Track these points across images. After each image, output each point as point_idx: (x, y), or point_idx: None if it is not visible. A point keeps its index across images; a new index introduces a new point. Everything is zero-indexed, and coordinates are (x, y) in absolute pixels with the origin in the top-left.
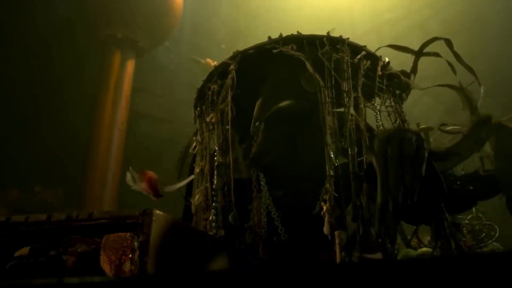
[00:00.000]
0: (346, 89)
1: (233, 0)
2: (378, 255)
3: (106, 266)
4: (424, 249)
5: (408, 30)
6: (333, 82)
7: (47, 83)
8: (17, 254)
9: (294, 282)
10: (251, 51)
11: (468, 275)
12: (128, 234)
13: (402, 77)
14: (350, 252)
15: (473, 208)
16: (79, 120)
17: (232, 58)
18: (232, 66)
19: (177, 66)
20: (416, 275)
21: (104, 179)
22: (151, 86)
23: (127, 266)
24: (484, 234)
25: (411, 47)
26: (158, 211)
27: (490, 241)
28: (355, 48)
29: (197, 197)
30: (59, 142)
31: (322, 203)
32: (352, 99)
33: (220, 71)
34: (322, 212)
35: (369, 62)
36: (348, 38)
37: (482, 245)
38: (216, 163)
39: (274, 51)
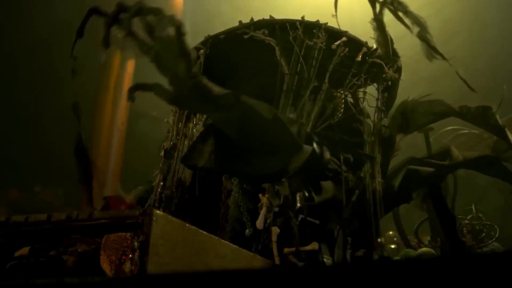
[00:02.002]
0: (307, 77)
1: (233, 1)
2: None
3: (106, 266)
4: (424, 249)
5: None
6: (298, 69)
7: (47, 83)
8: (17, 254)
9: (292, 283)
10: (222, 36)
11: (468, 275)
12: (128, 234)
13: (386, 67)
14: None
15: (473, 208)
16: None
17: (203, 43)
18: (202, 51)
19: None
20: (416, 275)
21: (104, 179)
22: None
23: (127, 266)
24: (484, 234)
25: (410, 47)
26: (158, 211)
27: (490, 241)
28: (335, 34)
29: (157, 178)
30: (59, 142)
31: (260, 195)
32: (310, 87)
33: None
34: (259, 204)
35: (347, 49)
36: (326, 23)
37: (482, 245)
38: (164, 147)
39: (245, 36)
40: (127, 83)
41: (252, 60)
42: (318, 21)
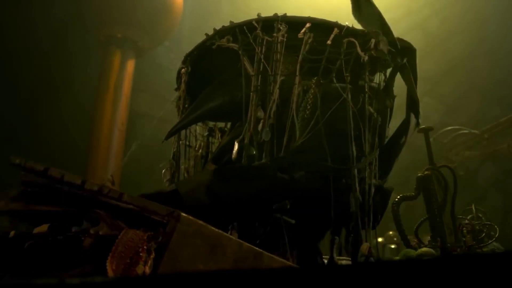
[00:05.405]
0: (272, 73)
1: (233, 0)
2: None
3: (114, 260)
4: (424, 249)
5: (408, 30)
6: (261, 68)
7: (48, 84)
8: (36, 230)
9: (295, 284)
10: (195, 52)
11: (468, 275)
12: (146, 235)
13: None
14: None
15: (473, 208)
16: (79, 120)
17: (183, 61)
18: (183, 70)
19: (177, 66)
20: (416, 275)
21: (104, 178)
22: (151, 86)
23: (139, 268)
24: (484, 234)
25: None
26: (185, 215)
27: (490, 241)
28: (298, 23)
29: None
30: (60, 142)
31: None
32: (278, 82)
33: (181, 76)
34: None
35: (311, 35)
36: (285, 14)
37: (482, 245)
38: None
39: (213, 47)
40: (127, 83)
41: (229, 67)
42: (276, 14)
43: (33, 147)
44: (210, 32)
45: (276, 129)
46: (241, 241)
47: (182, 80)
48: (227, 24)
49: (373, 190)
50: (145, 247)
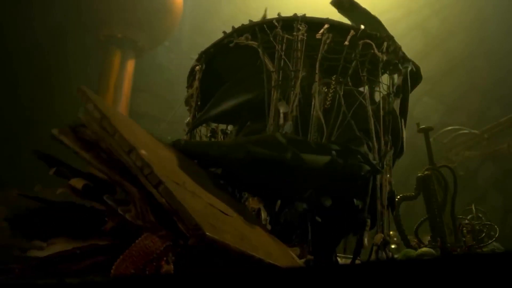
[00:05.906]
0: (293, 69)
1: (232, 0)
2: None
3: (124, 263)
4: (424, 249)
5: (408, 30)
6: (281, 64)
7: (48, 83)
8: (71, 182)
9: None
10: (211, 49)
11: (468, 275)
12: (164, 245)
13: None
14: None
15: (473, 208)
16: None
17: (198, 59)
18: (197, 67)
19: (177, 66)
20: (416, 275)
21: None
22: (151, 86)
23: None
24: (484, 234)
25: (409, 47)
26: (210, 235)
27: (490, 241)
28: (316, 24)
29: None
30: (58, 142)
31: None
32: (300, 77)
33: (194, 74)
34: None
35: (330, 35)
36: (305, 14)
37: (482, 245)
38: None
39: (231, 44)
40: (127, 83)
41: (247, 65)
42: (295, 14)
43: (33, 147)
44: (210, 32)
45: (297, 125)
46: (262, 258)
47: (196, 78)
48: (226, 24)
49: (388, 188)
50: (164, 257)
